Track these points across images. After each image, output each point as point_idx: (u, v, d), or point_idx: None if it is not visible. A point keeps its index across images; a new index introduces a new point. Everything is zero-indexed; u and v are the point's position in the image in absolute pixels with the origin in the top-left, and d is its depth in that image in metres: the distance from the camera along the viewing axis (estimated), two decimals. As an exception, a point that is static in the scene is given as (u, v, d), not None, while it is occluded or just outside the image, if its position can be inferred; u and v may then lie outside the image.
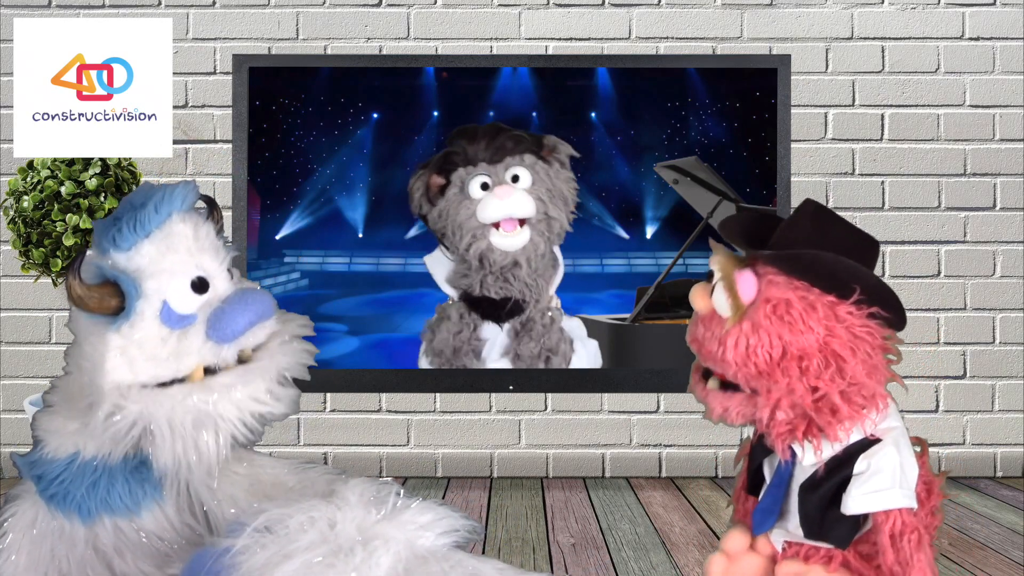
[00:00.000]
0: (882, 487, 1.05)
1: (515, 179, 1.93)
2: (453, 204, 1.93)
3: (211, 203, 1.25)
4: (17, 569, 1.18)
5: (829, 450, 1.08)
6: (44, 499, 1.20)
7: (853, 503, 1.06)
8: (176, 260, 1.16)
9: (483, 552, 1.63)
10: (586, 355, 2.02)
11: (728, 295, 1.08)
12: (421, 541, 1.10)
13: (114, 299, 1.13)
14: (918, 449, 1.12)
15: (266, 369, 1.18)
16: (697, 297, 1.11)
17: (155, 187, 1.21)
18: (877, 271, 1.10)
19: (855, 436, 1.07)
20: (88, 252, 1.18)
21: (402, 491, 1.16)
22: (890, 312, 1.06)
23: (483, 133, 1.96)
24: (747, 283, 1.06)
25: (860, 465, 1.06)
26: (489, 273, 1.95)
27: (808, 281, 1.05)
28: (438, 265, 2.01)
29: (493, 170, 1.93)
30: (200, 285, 1.16)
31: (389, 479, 1.20)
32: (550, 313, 2.00)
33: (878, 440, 1.07)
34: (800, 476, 1.10)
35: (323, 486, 1.22)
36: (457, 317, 1.99)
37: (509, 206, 1.91)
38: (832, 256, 1.04)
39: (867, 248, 1.09)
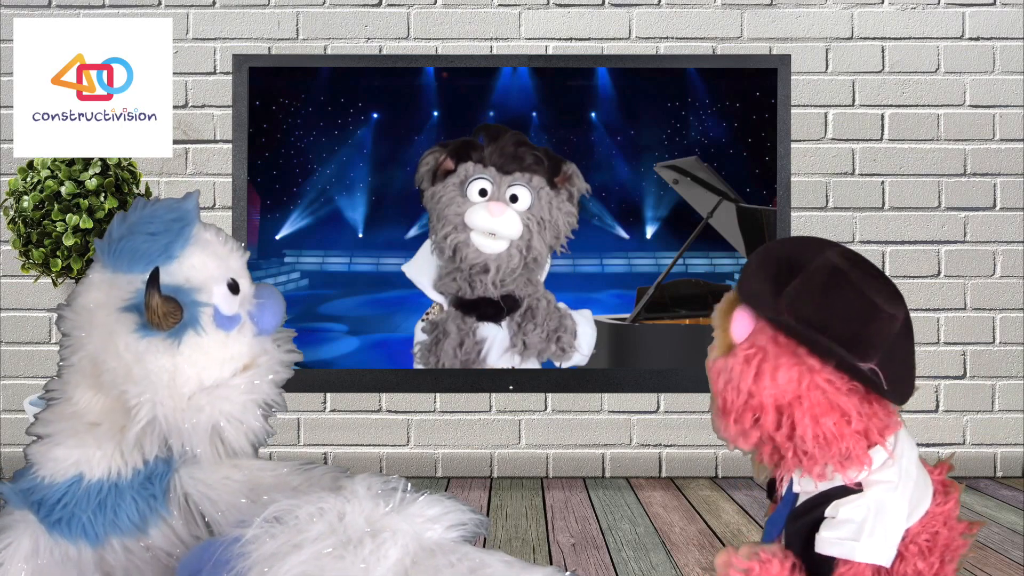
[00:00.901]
0: (844, 537, 1.05)
1: (514, 199, 1.93)
2: (447, 194, 1.93)
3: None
4: None
5: (822, 484, 1.08)
6: (47, 526, 1.17)
7: (819, 543, 1.07)
8: (215, 266, 1.21)
9: (483, 552, 1.63)
10: (585, 322, 2.02)
11: (720, 329, 1.10)
12: (429, 534, 1.11)
13: (180, 313, 1.16)
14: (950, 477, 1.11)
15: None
16: (716, 314, 1.13)
17: (167, 200, 1.25)
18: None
19: (838, 480, 1.07)
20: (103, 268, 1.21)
21: (409, 485, 1.17)
22: (876, 390, 1.04)
23: (507, 139, 1.95)
24: (742, 323, 1.08)
25: (830, 510, 1.07)
26: (458, 270, 1.95)
27: (796, 340, 1.04)
28: (420, 272, 1.99)
29: (498, 179, 1.93)
30: (235, 286, 1.23)
31: (395, 476, 1.20)
32: (543, 297, 1.99)
33: (857, 489, 1.07)
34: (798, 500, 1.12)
35: (328, 483, 1.22)
36: (455, 330, 1.99)
37: (496, 224, 1.92)
38: (805, 332, 1.03)
39: (870, 318, 1.05)
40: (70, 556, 1.17)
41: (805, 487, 1.10)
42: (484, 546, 1.66)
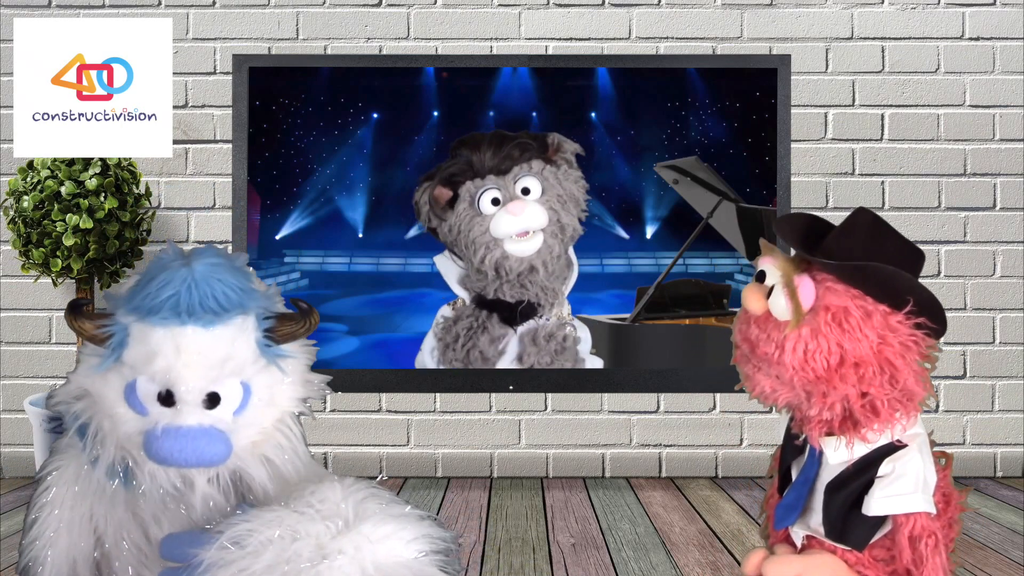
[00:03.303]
0: (904, 491, 1.08)
1: (525, 192, 1.93)
2: (465, 220, 1.93)
3: (303, 310, 1.23)
4: (60, 524, 1.19)
5: (860, 449, 1.10)
6: (89, 459, 1.20)
7: (875, 505, 1.09)
8: (156, 360, 1.13)
9: (483, 553, 1.63)
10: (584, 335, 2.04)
11: (789, 300, 1.09)
12: (385, 554, 1.10)
13: (98, 339, 1.17)
14: (943, 462, 1.16)
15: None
16: (752, 298, 1.12)
17: (241, 271, 1.20)
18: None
19: (883, 439, 1.10)
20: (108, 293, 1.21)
21: (376, 493, 1.17)
22: (935, 323, 1.11)
23: (488, 143, 1.94)
24: (807, 289, 1.09)
25: (885, 468, 1.10)
26: (506, 281, 1.95)
27: (864, 290, 1.08)
28: (450, 266, 2.01)
29: (502, 182, 1.93)
30: (165, 399, 1.14)
31: (382, 476, 1.20)
32: (573, 335, 2.00)
33: (904, 445, 1.10)
34: (826, 476, 1.13)
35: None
36: (488, 341, 1.99)
37: (523, 221, 1.92)
38: (892, 269, 1.07)
39: (916, 260, 1.13)
40: (105, 490, 1.20)
41: (839, 458, 1.11)
42: (485, 546, 1.66)
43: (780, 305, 1.10)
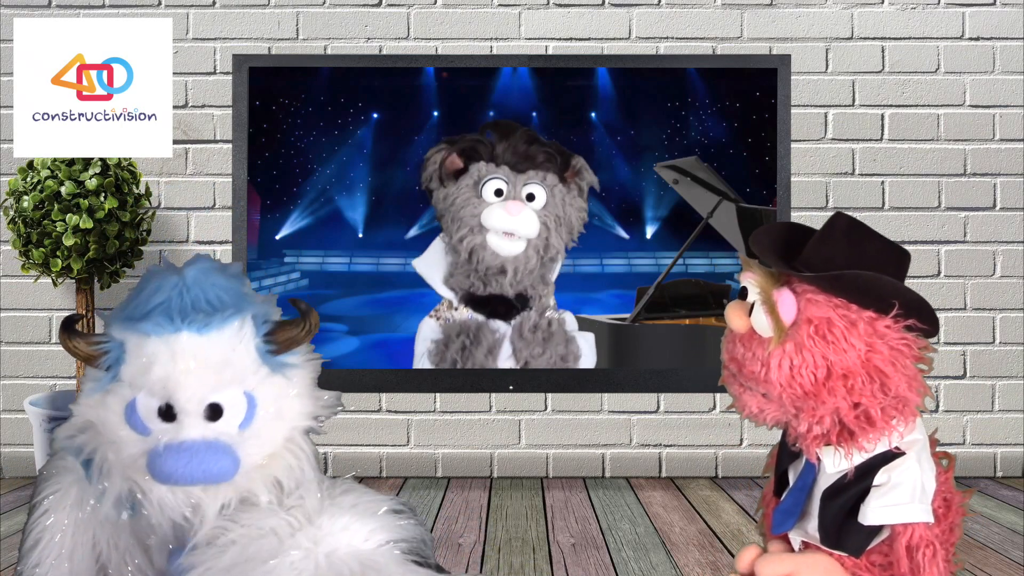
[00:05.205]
0: (900, 501, 1.06)
1: (530, 197, 1.94)
2: (462, 196, 1.94)
3: (303, 310, 1.16)
4: (62, 551, 1.16)
5: (857, 458, 1.09)
6: (96, 493, 1.16)
7: (872, 514, 1.07)
8: (158, 371, 1.09)
9: (483, 553, 1.63)
10: (587, 348, 2.03)
11: (769, 316, 1.07)
12: (339, 548, 1.10)
13: (92, 359, 1.14)
14: (945, 463, 1.13)
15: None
16: (734, 316, 1.10)
17: (235, 284, 1.16)
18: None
19: (881, 447, 1.08)
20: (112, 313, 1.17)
21: (351, 487, 1.16)
22: (925, 323, 1.07)
23: (519, 136, 1.95)
24: (787, 303, 1.06)
25: (881, 477, 1.08)
26: (474, 271, 1.95)
27: (847, 298, 1.05)
28: (431, 268, 2.00)
29: (513, 179, 1.94)
30: (167, 414, 1.10)
31: (352, 475, 1.20)
32: (556, 317, 2.00)
33: (901, 453, 1.08)
34: (823, 482, 1.12)
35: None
36: (487, 337, 1.99)
37: (514, 223, 1.93)
38: (873, 275, 1.04)
39: (900, 260, 1.10)
40: (109, 516, 1.16)
41: (836, 466, 1.10)
42: (485, 546, 1.66)
43: (761, 321, 1.08)
